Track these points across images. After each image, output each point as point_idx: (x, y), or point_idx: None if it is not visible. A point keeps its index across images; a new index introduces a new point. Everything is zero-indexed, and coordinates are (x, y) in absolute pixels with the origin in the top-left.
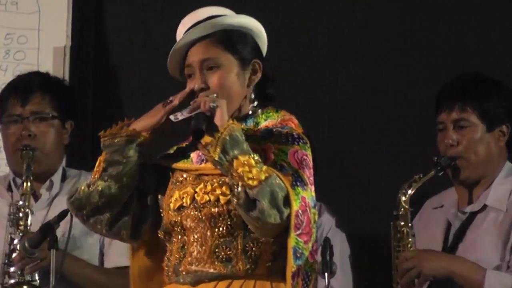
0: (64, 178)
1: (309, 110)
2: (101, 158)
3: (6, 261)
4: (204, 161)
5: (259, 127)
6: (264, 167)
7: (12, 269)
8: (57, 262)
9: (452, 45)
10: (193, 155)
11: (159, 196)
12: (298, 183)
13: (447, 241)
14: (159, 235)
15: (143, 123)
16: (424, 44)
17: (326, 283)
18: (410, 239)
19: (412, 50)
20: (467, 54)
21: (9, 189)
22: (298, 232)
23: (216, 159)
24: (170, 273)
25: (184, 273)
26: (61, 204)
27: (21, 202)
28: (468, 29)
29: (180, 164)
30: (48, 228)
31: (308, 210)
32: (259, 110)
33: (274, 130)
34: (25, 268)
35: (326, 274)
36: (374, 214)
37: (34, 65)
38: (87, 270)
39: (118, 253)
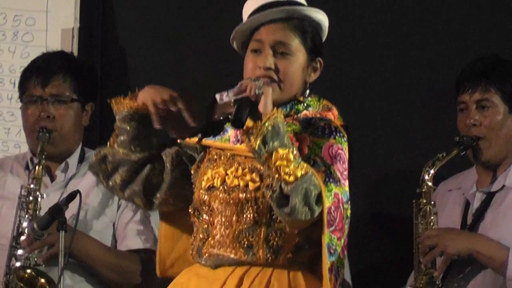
0: (82, 159)
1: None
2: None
3: (14, 243)
4: (240, 142)
5: (298, 115)
6: (302, 163)
7: (19, 251)
8: (65, 244)
9: (469, 28)
10: (231, 133)
11: (193, 172)
12: (330, 179)
13: (465, 220)
14: (190, 210)
15: (143, 98)
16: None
17: None
18: (432, 217)
19: (432, 32)
20: (484, 37)
21: (27, 168)
22: (331, 229)
23: (256, 148)
24: (194, 253)
25: (206, 255)
26: (77, 186)
27: (32, 186)
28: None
29: (217, 142)
30: (57, 210)
31: (341, 206)
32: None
33: (313, 121)
34: (33, 253)
35: None
36: (394, 193)
37: (42, 47)
38: (98, 250)
39: (132, 236)
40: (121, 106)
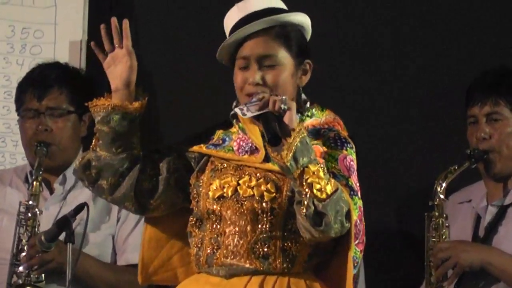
0: None
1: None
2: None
3: (14, 260)
4: (248, 153)
5: (304, 125)
6: (331, 179)
7: (20, 269)
8: (67, 259)
9: (476, 36)
10: (234, 144)
11: (193, 182)
12: (354, 193)
13: (477, 234)
14: (190, 221)
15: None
16: (451, 37)
17: None
18: (444, 230)
19: (438, 43)
20: (494, 47)
21: (26, 180)
22: (356, 242)
23: (288, 165)
24: (201, 263)
25: (219, 265)
26: (76, 197)
27: (30, 202)
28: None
29: (221, 153)
30: (65, 222)
31: (363, 218)
32: (305, 106)
33: (322, 131)
34: (32, 269)
35: None
36: (406, 206)
37: (50, 59)
38: (96, 268)
39: (132, 250)
40: (97, 108)
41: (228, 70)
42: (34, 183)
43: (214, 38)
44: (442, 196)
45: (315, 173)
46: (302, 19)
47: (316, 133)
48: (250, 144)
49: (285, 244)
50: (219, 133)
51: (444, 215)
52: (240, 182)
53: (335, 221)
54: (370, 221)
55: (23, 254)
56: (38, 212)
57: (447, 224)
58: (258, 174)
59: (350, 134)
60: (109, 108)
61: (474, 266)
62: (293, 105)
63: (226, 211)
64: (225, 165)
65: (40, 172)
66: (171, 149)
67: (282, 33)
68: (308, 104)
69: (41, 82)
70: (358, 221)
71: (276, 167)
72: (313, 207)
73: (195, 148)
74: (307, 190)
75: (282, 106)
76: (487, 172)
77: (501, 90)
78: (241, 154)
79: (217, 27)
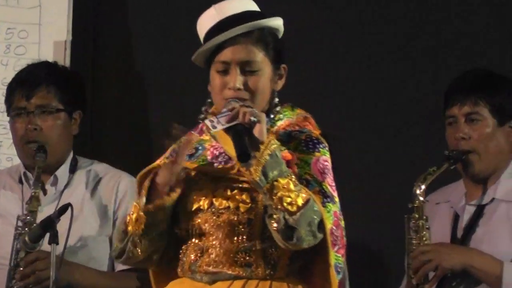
0: (74, 169)
1: (316, 106)
2: (138, 217)
3: (12, 273)
4: (222, 163)
5: (276, 127)
6: (302, 190)
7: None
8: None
9: (456, 41)
10: (208, 153)
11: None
12: (328, 199)
13: (455, 234)
14: (176, 230)
15: (161, 182)
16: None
17: None
18: (425, 232)
19: (419, 44)
20: (471, 50)
21: (20, 181)
22: (336, 249)
23: (257, 180)
24: (185, 269)
25: (201, 272)
26: (71, 196)
27: (28, 218)
28: (473, 24)
29: (195, 164)
30: (49, 223)
31: (340, 223)
32: (275, 109)
33: (293, 133)
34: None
35: None
36: (385, 209)
37: (35, 59)
38: (95, 278)
39: None
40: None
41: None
42: (33, 200)
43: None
44: (421, 198)
45: (285, 186)
46: (279, 23)
47: (288, 136)
48: (223, 154)
49: (266, 251)
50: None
51: (424, 217)
52: (216, 194)
53: (307, 233)
54: (351, 224)
55: (20, 268)
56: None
57: (427, 226)
58: (233, 185)
59: (332, 136)
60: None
61: (456, 269)
62: (263, 117)
63: (204, 224)
64: (200, 176)
65: (39, 185)
66: None
67: (261, 38)
68: (278, 108)
69: (29, 81)
70: (334, 227)
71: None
72: (283, 221)
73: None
74: (277, 204)
75: (252, 118)
76: (466, 173)
77: (480, 90)
78: (215, 165)
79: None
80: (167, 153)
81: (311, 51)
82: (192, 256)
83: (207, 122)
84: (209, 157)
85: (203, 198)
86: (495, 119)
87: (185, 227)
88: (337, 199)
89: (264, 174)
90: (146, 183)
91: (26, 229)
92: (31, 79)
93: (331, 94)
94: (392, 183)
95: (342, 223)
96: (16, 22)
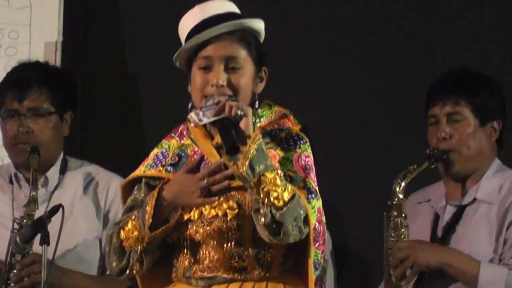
0: (64, 170)
1: (304, 103)
2: (141, 238)
3: (5, 278)
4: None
5: (256, 128)
6: (288, 185)
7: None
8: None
9: (443, 41)
10: (192, 159)
11: None
12: (312, 195)
13: (435, 233)
14: (167, 239)
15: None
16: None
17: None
18: (403, 230)
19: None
20: (456, 48)
21: (11, 181)
22: (316, 245)
23: (244, 174)
24: (180, 275)
25: (197, 278)
26: (61, 197)
27: (25, 221)
28: (458, 27)
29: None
30: (40, 224)
31: (323, 218)
32: (256, 111)
33: (273, 132)
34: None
35: None
36: (366, 206)
37: (25, 60)
38: (85, 283)
39: None
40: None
41: None
42: (30, 204)
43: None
44: (401, 196)
45: (272, 181)
46: (261, 26)
47: (268, 135)
48: (207, 162)
49: (258, 254)
50: (173, 147)
51: (403, 215)
52: None
53: (293, 228)
54: (331, 221)
55: (14, 271)
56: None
57: (406, 224)
58: (219, 192)
59: (319, 132)
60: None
61: (432, 266)
62: (249, 111)
63: (195, 234)
64: None
65: (37, 189)
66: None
67: (244, 37)
68: (259, 110)
69: (21, 83)
70: (317, 223)
71: (234, 182)
72: (270, 216)
73: (154, 172)
74: (264, 198)
75: (239, 112)
76: (446, 172)
77: (461, 90)
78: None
79: None
80: (148, 161)
81: (310, 50)
82: (186, 263)
83: (192, 115)
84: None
85: (194, 208)
86: (477, 119)
87: (176, 236)
88: (319, 194)
89: (251, 168)
90: (152, 201)
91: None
92: (23, 81)
93: (312, 91)
94: (373, 180)
95: (324, 219)
96: (6, 22)
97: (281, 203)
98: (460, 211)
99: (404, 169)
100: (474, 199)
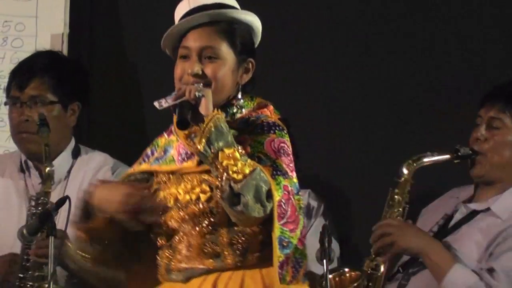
0: (76, 155)
1: (305, 101)
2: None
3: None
4: (186, 159)
5: (235, 118)
6: (249, 160)
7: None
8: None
9: (443, 42)
10: (174, 154)
11: None
12: (278, 172)
13: (440, 228)
14: (151, 235)
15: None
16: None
17: (325, 270)
18: (399, 209)
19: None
20: (456, 48)
21: (22, 169)
22: (282, 222)
23: (202, 150)
24: (163, 272)
25: (175, 271)
26: (73, 179)
27: (42, 198)
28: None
29: (164, 167)
30: (47, 215)
31: (292, 198)
32: (238, 102)
33: (250, 120)
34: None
35: (324, 261)
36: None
37: (32, 52)
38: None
39: None
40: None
41: None
42: (46, 181)
43: None
44: (406, 176)
45: (230, 155)
46: (251, 19)
47: (245, 123)
48: (185, 151)
49: (233, 239)
50: (162, 145)
51: (405, 195)
52: (179, 189)
53: (254, 201)
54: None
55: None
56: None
57: (405, 205)
58: (195, 178)
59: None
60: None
61: (411, 252)
62: (208, 92)
63: (170, 220)
64: (170, 177)
65: (52, 166)
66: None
67: (227, 28)
68: (241, 101)
69: (25, 71)
70: (284, 200)
71: (207, 167)
72: (229, 189)
73: (143, 167)
74: (223, 173)
75: (197, 93)
76: (470, 172)
77: (509, 99)
78: (180, 163)
79: None
80: (140, 159)
81: (310, 50)
82: (166, 257)
83: (155, 103)
84: (176, 157)
85: (170, 196)
86: None
87: (157, 229)
88: (294, 178)
89: (209, 144)
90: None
91: (40, 208)
92: (27, 69)
93: (317, 88)
94: (382, 174)
95: (297, 202)
96: (13, 15)
97: (240, 176)
98: (471, 214)
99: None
100: (488, 208)
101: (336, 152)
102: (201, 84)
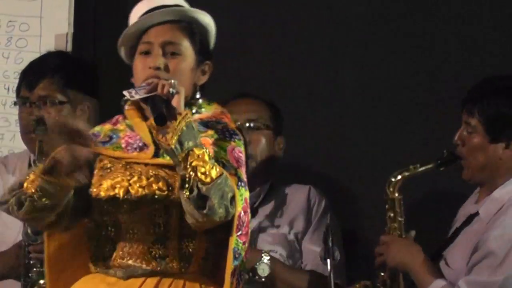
0: None
1: (307, 103)
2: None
3: (25, 249)
4: (137, 150)
5: (194, 119)
6: (216, 164)
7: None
8: None
9: (443, 41)
10: (122, 142)
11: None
12: (242, 183)
13: (451, 234)
14: (86, 221)
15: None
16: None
17: (329, 270)
18: (395, 224)
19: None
20: (456, 48)
21: (30, 165)
22: (239, 233)
23: (173, 148)
24: (98, 262)
25: (116, 266)
26: None
27: None
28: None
29: (110, 151)
30: None
31: (248, 211)
32: (196, 103)
33: (209, 123)
34: None
35: (328, 260)
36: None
37: (36, 52)
38: None
39: None
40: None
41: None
42: None
43: None
44: (390, 192)
45: (200, 156)
46: (208, 21)
47: (205, 125)
48: (138, 141)
49: (181, 243)
50: (105, 130)
51: (396, 210)
52: (131, 182)
53: (219, 205)
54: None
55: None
56: None
57: (400, 219)
58: (149, 172)
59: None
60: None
61: (398, 268)
62: (182, 90)
63: (119, 212)
64: (114, 164)
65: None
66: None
67: (188, 27)
68: (200, 101)
69: (34, 71)
70: (243, 212)
71: (166, 161)
72: (196, 190)
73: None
74: (191, 173)
75: (171, 89)
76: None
77: (477, 101)
78: (130, 152)
79: None
80: None
81: (310, 50)
82: (106, 249)
83: (125, 92)
84: (123, 145)
85: (118, 186)
86: (487, 133)
87: (98, 217)
88: (247, 190)
89: (180, 143)
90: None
91: None
92: (37, 69)
93: (318, 88)
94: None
95: (249, 211)
96: (17, 14)
97: (208, 179)
98: (469, 219)
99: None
100: (477, 212)
101: (337, 149)
102: (176, 80)
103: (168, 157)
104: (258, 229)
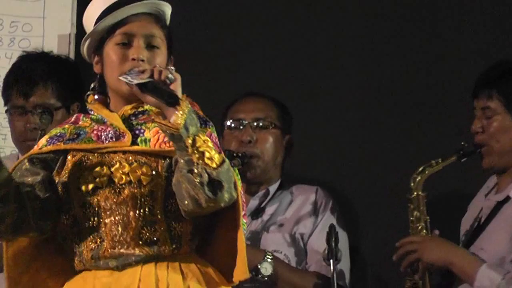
0: None
1: (313, 98)
2: None
3: None
4: (113, 139)
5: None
6: (217, 149)
7: None
8: None
9: (443, 41)
10: (92, 135)
11: (57, 180)
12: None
13: (472, 228)
14: (63, 222)
15: None
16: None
17: (332, 270)
18: (421, 223)
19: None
20: (456, 48)
21: None
22: (242, 213)
23: (180, 132)
24: (86, 260)
25: (107, 257)
26: None
27: None
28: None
29: (83, 145)
30: None
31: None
32: None
33: None
34: None
35: (331, 261)
36: (383, 201)
37: (29, 51)
38: None
39: None
40: None
41: (218, 66)
42: None
43: (211, 35)
44: (415, 191)
45: (205, 142)
46: (169, 11)
47: None
48: (111, 132)
49: (170, 225)
50: (69, 129)
51: (421, 208)
52: (112, 170)
53: (227, 189)
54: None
55: None
56: None
57: (425, 219)
58: (130, 158)
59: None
60: None
61: (437, 264)
62: (179, 77)
63: (105, 201)
64: (90, 157)
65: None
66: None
67: (160, 21)
68: None
69: (26, 79)
70: (242, 192)
71: (146, 148)
72: (206, 175)
73: (51, 147)
74: (199, 159)
75: (169, 76)
76: (482, 166)
77: (495, 84)
78: (105, 142)
79: (211, 25)
80: (40, 144)
81: (311, 50)
82: (92, 245)
83: (122, 78)
84: (94, 138)
85: (99, 176)
86: (510, 113)
87: (78, 211)
88: None
89: (186, 128)
90: None
91: None
92: (29, 76)
93: (329, 83)
94: (394, 176)
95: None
96: (20, 15)
97: (214, 164)
98: (496, 207)
99: (427, 162)
100: (508, 197)
101: (343, 150)
102: (173, 68)
103: (146, 144)
104: (265, 228)
